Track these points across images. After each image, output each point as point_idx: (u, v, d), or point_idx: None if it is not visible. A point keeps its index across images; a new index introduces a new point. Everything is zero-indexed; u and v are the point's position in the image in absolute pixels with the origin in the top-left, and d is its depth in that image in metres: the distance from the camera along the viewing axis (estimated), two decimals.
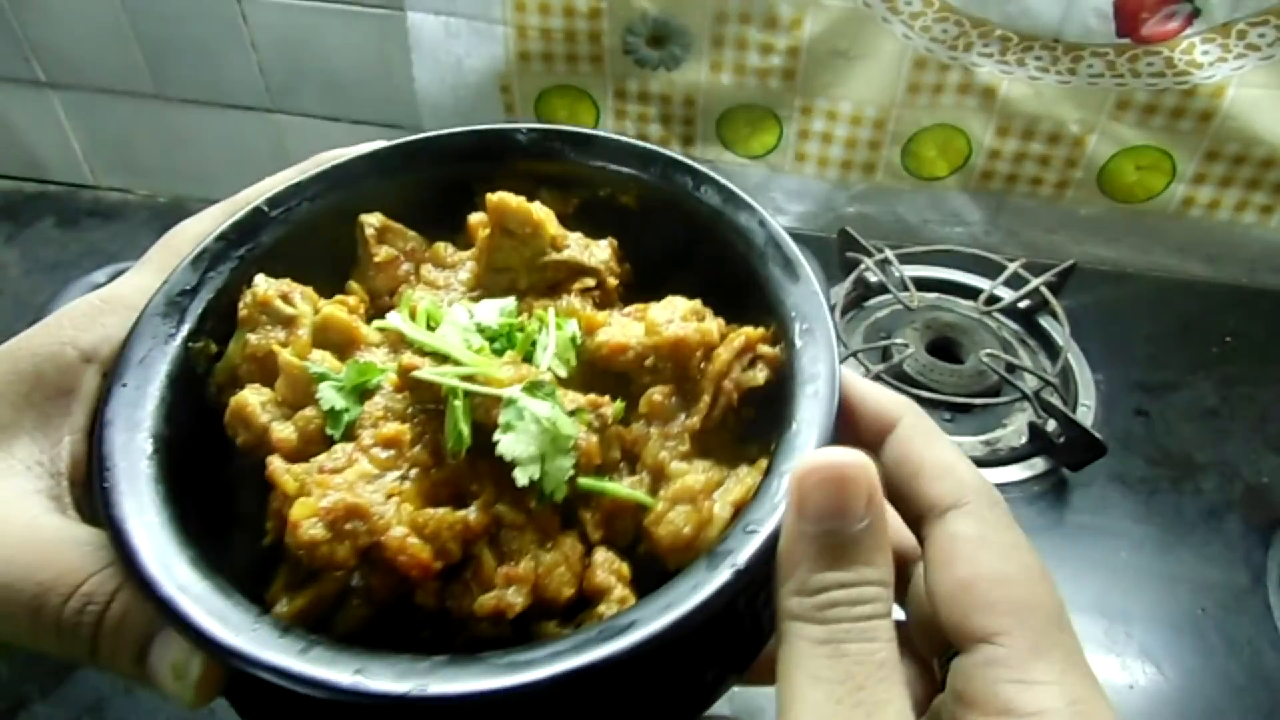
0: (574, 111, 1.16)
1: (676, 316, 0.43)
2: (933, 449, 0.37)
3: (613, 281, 0.47)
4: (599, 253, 0.47)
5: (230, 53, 1.17)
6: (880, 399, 0.38)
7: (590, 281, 0.47)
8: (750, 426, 0.43)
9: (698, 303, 0.44)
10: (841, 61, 1.06)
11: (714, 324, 0.43)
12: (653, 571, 0.38)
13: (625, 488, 0.40)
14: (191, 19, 1.15)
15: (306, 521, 0.34)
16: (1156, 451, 0.95)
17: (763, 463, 0.38)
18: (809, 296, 0.41)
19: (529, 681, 0.30)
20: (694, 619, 0.32)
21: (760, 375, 0.41)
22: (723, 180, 0.46)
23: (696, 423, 0.41)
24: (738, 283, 0.44)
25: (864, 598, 0.31)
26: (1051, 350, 1.05)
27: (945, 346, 1.03)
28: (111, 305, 0.40)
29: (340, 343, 0.43)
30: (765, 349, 0.42)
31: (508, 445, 0.36)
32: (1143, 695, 0.75)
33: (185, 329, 0.41)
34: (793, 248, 0.43)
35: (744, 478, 0.39)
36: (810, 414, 0.37)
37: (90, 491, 0.37)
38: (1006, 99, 1.06)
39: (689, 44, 1.08)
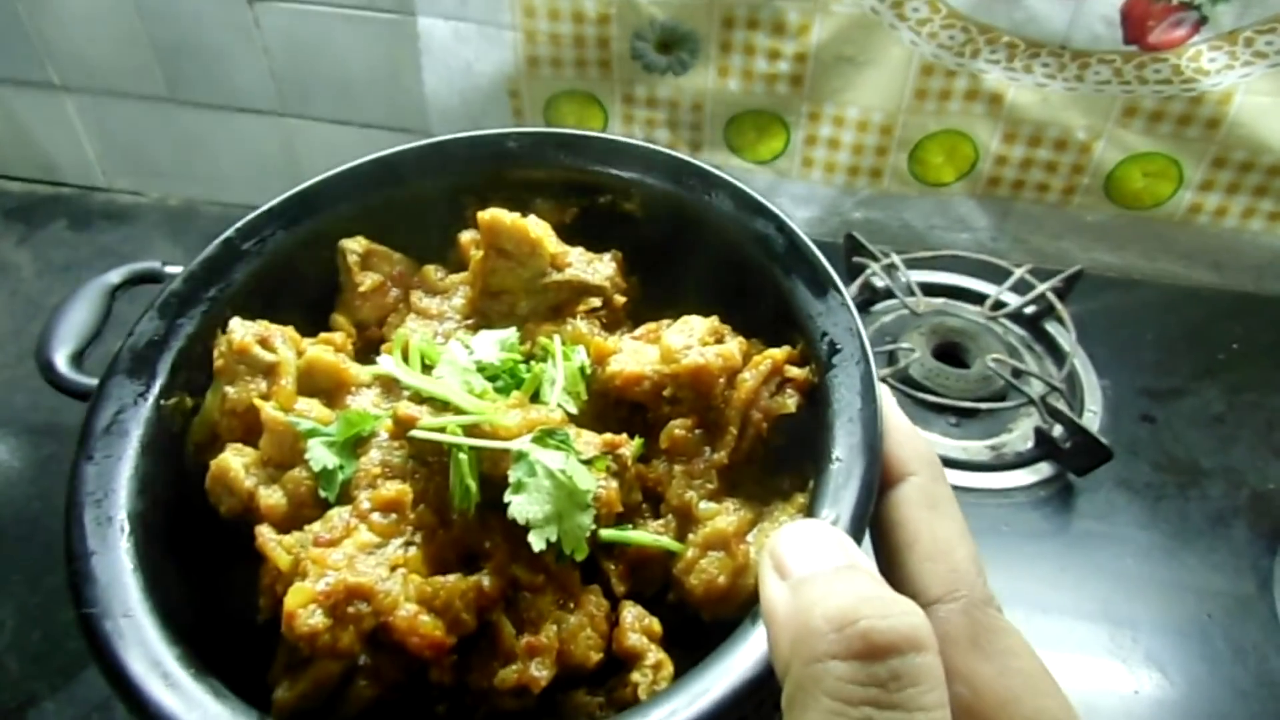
0: (582, 116, 1.17)
1: (694, 340, 0.39)
2: (933, 523, 0.34)
3: (620, 299, 0.44)
4: (603, 269, 0.43)
5: (242, 57, 1.18)
6: (900, 444, 0.35)
7: (596, 301, 0.43)
8: (781, 454, 0.39)
9: (715, 321, 0.40)
10: (849, 67, 1.06)
11: (735, 344, 0.39)
12: (685, 617, 0.35)
13: (651, 535, 0.36)
14: (204, 23, 1.16)
15: (304, 610, 0.30)
16: (1163, 457, 0.94)
17: (799, 499, 0.35)
18: (838, 309, 0.37)
19: None
20: (737, 701, 0.29)
21: (791, 401, 0.38)
22: (734, 181, 0.42)
23: (724, 457, 0.37)
24: (757, 294, 0.40)
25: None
26: (1058, 356, 1.04)
27: (951, 351, 1.03)
28: None
29: (328, 387, 0.39)
30: (794, 370, 0.38)
31: (520, 507, 0.33)
32: (1148, 701, 0.75)
33: (157, 386, 0.37)
34: (817, 255, 0.39)
35: (778, 517, 0.36)
36: (850, 447, 0.33)
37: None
38: (1013, 105, 1.06)
39: (697, 49, 1.08)
